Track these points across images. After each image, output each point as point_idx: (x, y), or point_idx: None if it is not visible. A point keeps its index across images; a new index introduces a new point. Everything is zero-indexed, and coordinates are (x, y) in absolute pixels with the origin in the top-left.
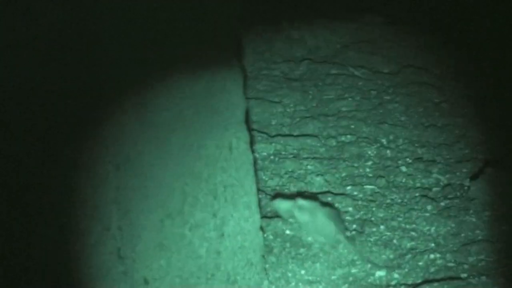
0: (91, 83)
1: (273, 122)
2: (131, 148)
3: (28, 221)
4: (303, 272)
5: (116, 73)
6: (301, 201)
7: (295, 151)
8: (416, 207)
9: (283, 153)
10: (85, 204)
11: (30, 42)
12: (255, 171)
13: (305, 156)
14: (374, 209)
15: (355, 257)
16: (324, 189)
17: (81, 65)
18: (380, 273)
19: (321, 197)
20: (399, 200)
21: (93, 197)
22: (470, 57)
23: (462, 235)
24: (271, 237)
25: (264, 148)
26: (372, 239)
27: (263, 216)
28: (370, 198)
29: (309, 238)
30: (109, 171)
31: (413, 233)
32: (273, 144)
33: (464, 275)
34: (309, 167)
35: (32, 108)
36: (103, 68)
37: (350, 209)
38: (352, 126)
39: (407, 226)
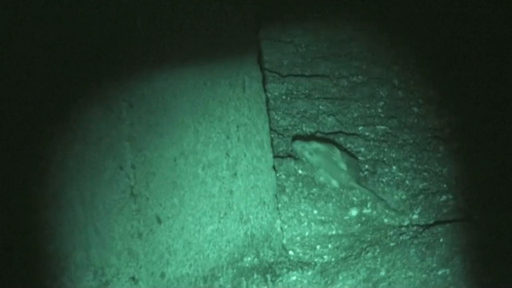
0: (107, 25)
1: (285, 62)
2: (145, 85)
3: (40, 154)
4: (315, 212)
5: (128, 17)
6: (314, 143)
7: (307, 91)
8: (428, 148)
9: (295, 93)
10: (99, 141)
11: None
12: (267, 110)
13: (317, 96)
14: (386, 149)
15: (368, 198)
16: (336, 129)
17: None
18: (392, 213)
19: (333, 137)
20: (411, 141)
21: (108, 134)
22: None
23: (475, 176)
24: (283, 176)
25: (276, 88)
26: (384, 180)
27: (276, 156)
28: (382, 138)
29: (322, 178)
30: (123, 108)
31: (425, 174)
32: (285, 84)
33: (476, 217)
34: (321, 107)
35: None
36: (119, 11)
37: (362, 149)
38: (364, 67)
39: (419, 167)
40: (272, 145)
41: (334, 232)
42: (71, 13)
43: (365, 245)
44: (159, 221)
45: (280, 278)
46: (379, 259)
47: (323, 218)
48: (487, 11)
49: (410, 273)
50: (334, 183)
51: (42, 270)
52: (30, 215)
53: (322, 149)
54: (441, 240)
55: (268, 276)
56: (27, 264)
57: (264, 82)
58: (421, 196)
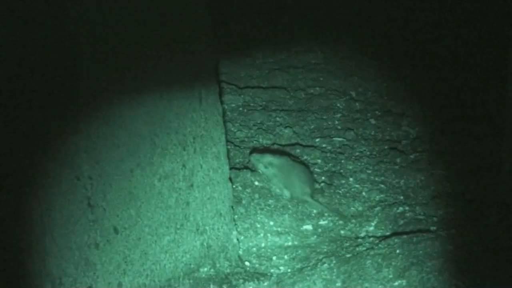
0: (65, 38)
1: (242, 74)
2: (102, 98)
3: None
4: (272, 223)
5: (89, 31)
6: (269, 156)
7: (264, 103)
8: (385, 159)
9: (252, 104)
10: (57, 152)
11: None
12: (224, 122)
13: (274, 108)
14: (343, 161)
15: (324, 209)
16: (293, 141)
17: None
18: (348, 224)
19: (289, 149)
20: (368, 153)
21: (65, 145)
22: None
23: (431, 188)
24: (240, 188)
25: (233, 100)
26: (341, 191)
27: (232, 167)
28: (339, 150)
29: (278, 190)
30: (80, 120)
31: (382, 186)
32: (242, 96)
33: (433, 228)
34: (278, 119)
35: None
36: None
37: (319, 161)
38: (321, 78)
39: (376, 179)
40: (228, 157)
41: (290, 243)
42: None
43: (321, 256)
44: (116, 231)
45: None
46: (335, 270)
47: (279, 229)
48: (450, 24)
49: (366, 284)
50: (289, 195)
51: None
52: None
53: (277, 162)
54: (397, 251)
55: (225, 287)
56: None
57: (221, 94)
58: (377, 208)
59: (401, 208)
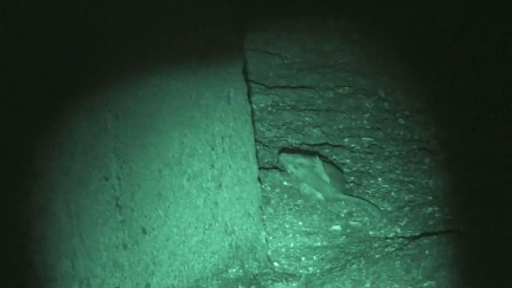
0: (93, 39)
1: (271, 74)
2: (131, 97)
3: (27, 166)
4: (300, 223)
5: (116, 30)
6: (299, 157)
7: (292, 102)
8: (414, 159)
9: (281, 104)
10: (86, 153)
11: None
12: (253, 122)
13: (303, 107)
14: (371, 161)
15: (353, 209)
16: (322, 141)
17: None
18: (377, 225)
19: (318, 149)
20: (397, 153)
21: (94, 146)
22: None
23: (461, 188)
24: (268, 188)
25: (262, 100)
26: (370, 191)
27: (261, 167)
28: (368, 150)
29: (307, 191)
30: (108, 120)
31: (411, 186)
32: (271, 96)
33: (462, 229)
34: (306, 118)
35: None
36: (107, 23)
37: (348, 161)
38: (350, 78)
39: (405, 179)
40: (257, 157)
41: (319, 244)
42: (58, 27)
43: (350, 257)
44: (144, 232)
45: None
46: (364, 271)
47: (308, 229)
48: (477, 24)
49: (396, 285)
50: (319, 195)
51: (29, 280)
52: (16, 226)
53: (307, 163)
54: (426, 252)
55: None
56: (14, 275)
57: (249, 94)
58: (406, 208)
59: (430, 209)
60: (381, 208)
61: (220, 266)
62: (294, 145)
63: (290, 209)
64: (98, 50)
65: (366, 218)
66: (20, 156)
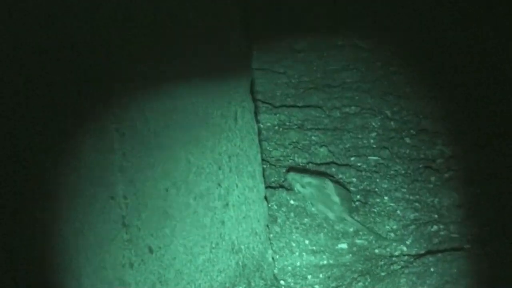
0: (98, 52)
1: (278, 93)
2: (137, 116)
3: (33, 185)
4: (307, 242)
5: (124, 42)
6: (307, 177)
7: (299, 121)
8: (419, 178)
9: (288, 123)
10: (92, 171)
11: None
12: (260, 141)
13: (309, 127)
14: (378, 180)
15: (359, 228)
16: (328, 160)
17: (86, 36)
18: (383, 243)
19: (325, 168)
20: (403, 171)
21: (100, 164)
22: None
23: (466, 206)
24: (275, 207)
25: (269, 119)
26: (376, 210)
27: (267, 186)
28: (374, 169)
29: (313, 209)
30: (115, 138)
31: (416, 204)
32: (278, 115)
33: (467, 246)
34: (313, 137)
35: (41, 73)
36: (112, 36)
37: (354, 179)
38: (357, 97)
39: (411, 197)
40: (264, 176)
41: (325, 262)
42: (65, 42)
43: (356, 275)
44: (150, 251)
45: None
46: None
47: (314, 248)
48: (485, 41)
49: None
50: (327, 214)
51: None
52: (22, 246)
53: (315, 182)
54: (432, 269)
55: None
56: None
57: (256, 113)
58: (412, 226)
59: (435, 227)
60: (387, 227)
61: (227, 285)
62: (301, 164)
63: (297, 228)
64: (104, 68)
65: (371, 237)
66: (26, 174)
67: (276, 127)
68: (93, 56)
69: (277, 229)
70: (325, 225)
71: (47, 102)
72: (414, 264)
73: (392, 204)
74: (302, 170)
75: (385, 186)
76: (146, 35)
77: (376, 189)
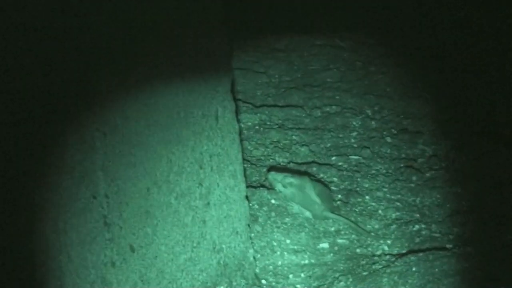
0: (79, 53)
1: (258, 93)
2: (119, 115)
3: (15, 184)
4: (288, 241)
5: (105, 42)
6: (288, 177)
7: (280, 121)
8: (401, 177)
9: (268, 123)
10: (73, 170)
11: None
12: (241, 140)
13: (290, 126)
14: (359, 179)
15: (340, 227)
16: (309, 159)
17: (70, 38)
18: (365, 242)
19: (306, 167)
20: (384, 171)
21: (81, 164)
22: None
23: (447, 206)
24: (256, 206)
25: (249, 118)
26: (357, 209)
27: (249, 186)
28: (355, 168)
29: (295, 210)
30: (96, 138)
31: (398, 204)
32: (258, 114)
33: (449, 246)
34: (294, 137)
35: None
36: (93, 36)
37: (335, 179)
38: (337, 97)
39: (392, 197)
40: (245, 175)
41: (306, 262)
42: (46, 43)
43: (337, 274)
44: (132, 250)
45: None
46: None
47: (295, 247)
48: (467, 40)
49: None
50: (308, 214)
51: None
52: (3, 244)
53: (296, 182)
54: (413, 269)
55: None
56: None
57: (237, 112)
58: (393, 226)
59: (417, 226)
60: (368, 226)
61: (208, 284)
62: (282, 163)
63: (278, 227)
64: (84, 68)
65: (353, 236)
66: (7, 172)
67: (257, 127)
68: (73, 56)
69: (259, 228)
70: (306, 224)
71: (28, 101)
72: (396, 263)
73: (373, 204)
74: (283, 169)
75: (367, 185)
76: (126, 35)
77: (358, 189)
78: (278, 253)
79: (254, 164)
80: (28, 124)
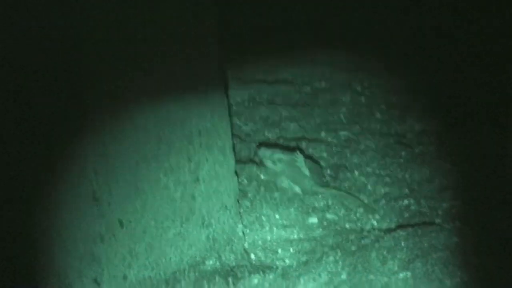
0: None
1: (248, 69)
2: (107, 92)
3: (7, 157)
4: (277, 216)
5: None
6: (277, 153)
7: (269, 97)
8: (390, 153)
9: (258, 99)
10: (63, 147)
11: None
12: (230, 116)
13: (280, 102)
14: (348, 155)
15: (330, 202)
16: (299, 135)
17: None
18: (354, 217)
19: (295, 143)
20: (374, 146)
21: (71, 140)
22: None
23: (436, 181)
24: (245, 181)
25: (239, 94)
26: (346, 185)
27: (238, 161)
28: (345, 144)
29: (284, 184)
30: (85, 114)
31: (387, 179)
32: (248, 90)
33: (438, 221)
34: (283, 113)
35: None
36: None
37: (325, 154)
38: (327, 73)
39: (381, 172)
40: (234, 151)
41: (295, 237)
42: (37, 52)
43: (326, 249)
44: (121, 225)
45: (242, 281)
46: (340, 262)
47: (285, 222)
48: (459, 22)
49: (371, 277)
50: (297, 189)
51: (6, 273)
52: None
53: (285, 158)
54: (402, 244)
55: (230, 279)
56: None
57: (226, 88)
58: (383, 201)
59: (406, 201)
60: (357, 201)
61: (197, 259)
62: (271, 139)
63: (267, 202)
64: (75, 56)
65: (342, 211)
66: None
67: (246, 103)
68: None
69: (248, 203)
70: (295, 199)
71: (16, 83)
72: (385, 238)
73: (362, 179)
74: (272, 145)
75: (356, 161)
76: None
77: (347, 164)
78: (267, 228)
79: (243, 140)
80: (16, 106)
